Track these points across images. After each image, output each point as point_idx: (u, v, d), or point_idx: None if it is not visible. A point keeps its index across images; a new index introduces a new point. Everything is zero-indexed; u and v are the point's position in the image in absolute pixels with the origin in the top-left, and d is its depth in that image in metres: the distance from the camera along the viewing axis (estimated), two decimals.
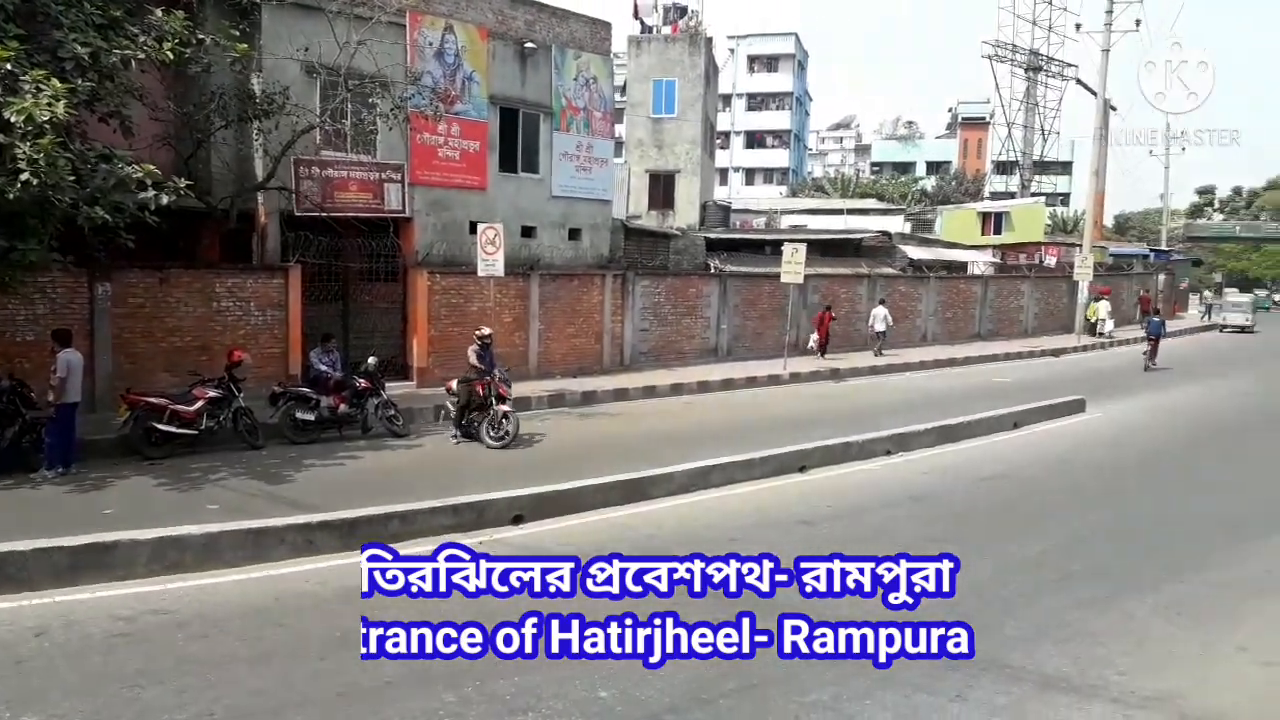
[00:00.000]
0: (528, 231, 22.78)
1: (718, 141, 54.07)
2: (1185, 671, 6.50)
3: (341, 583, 7.98)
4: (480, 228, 17.94)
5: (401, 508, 9.35)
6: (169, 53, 12.13)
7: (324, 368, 14.81)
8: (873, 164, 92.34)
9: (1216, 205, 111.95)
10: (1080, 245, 39.87)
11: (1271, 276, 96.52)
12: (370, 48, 17.05)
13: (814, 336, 26.14)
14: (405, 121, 17.92)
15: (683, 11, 41.50)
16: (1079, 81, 60.47)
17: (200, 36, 13.35)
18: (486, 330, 15.30)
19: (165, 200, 11.35)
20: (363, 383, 14.76)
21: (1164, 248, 59.12)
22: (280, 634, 6.95)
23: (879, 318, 27.54)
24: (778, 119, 79.88)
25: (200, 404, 13.10)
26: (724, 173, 72.04)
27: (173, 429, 12.78)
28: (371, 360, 15.24)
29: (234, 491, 11.09)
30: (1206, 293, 67.56)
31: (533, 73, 22.57)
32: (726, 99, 70.11)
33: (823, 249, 31.76)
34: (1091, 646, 6.81)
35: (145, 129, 14.29)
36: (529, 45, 22.36)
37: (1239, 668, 6.64)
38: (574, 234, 24.11)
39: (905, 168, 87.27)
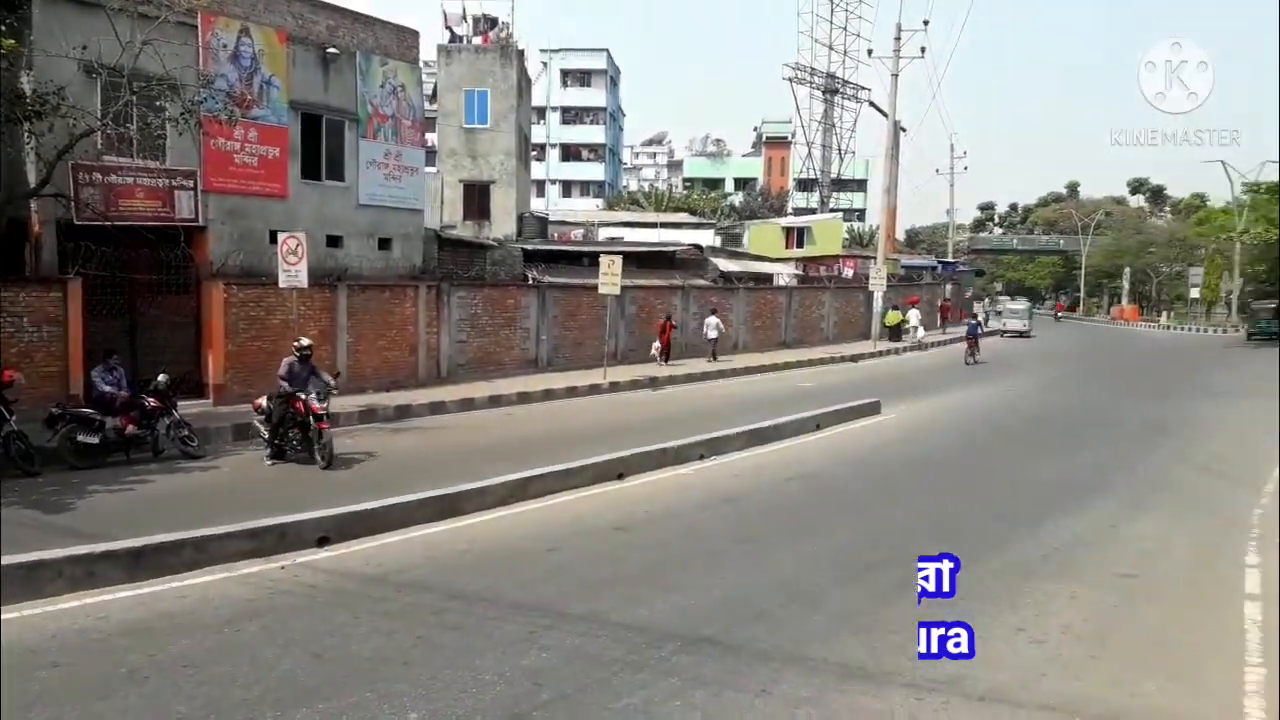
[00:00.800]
0: (334, 241, 22.04)
1: (533, 153, 54.10)
2: None
3: (126, 616, 7.44)
4: (281, 237, 17.15)
5: (193, 534, 8.78)
6: None
7: (108, 387, 13.75)
8: (685, 179, 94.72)
9: (996, 220, 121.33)
10: (875, 258, 42.25)
11: (1045, 285, 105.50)
12: (157, 48, 15.98)
13: (655, 345, 27.22)
14: (197, 126, 16.94)
15: (493, 23, 41.40)
16: (872, 104, 64.39)
17: None
18: (306, 341, 14.35)
19: None
20: (153, 402, 13.83)
21: (950, 259, 63.53)
22: (56, 675, 6.38)
23: (712, 325, 29.11)
24: (592, 133, 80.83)
25: None
26: (541, 185, 72.17)
27: None
28: (162, 378, 14.30)
29: (4, 523, 10.11)
30: (985, 300, 72.98)
31: (337, 79, 21.89)
32: (541, 111, 70.30)
33: (639, 261, 32.39)
34: (886, 635, 7.17)
35: None
36: (331, 50, 21.68)
37: (1016, 647, 7.16)
38: (384, 244, 23.50)
39: (715, 184, 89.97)
